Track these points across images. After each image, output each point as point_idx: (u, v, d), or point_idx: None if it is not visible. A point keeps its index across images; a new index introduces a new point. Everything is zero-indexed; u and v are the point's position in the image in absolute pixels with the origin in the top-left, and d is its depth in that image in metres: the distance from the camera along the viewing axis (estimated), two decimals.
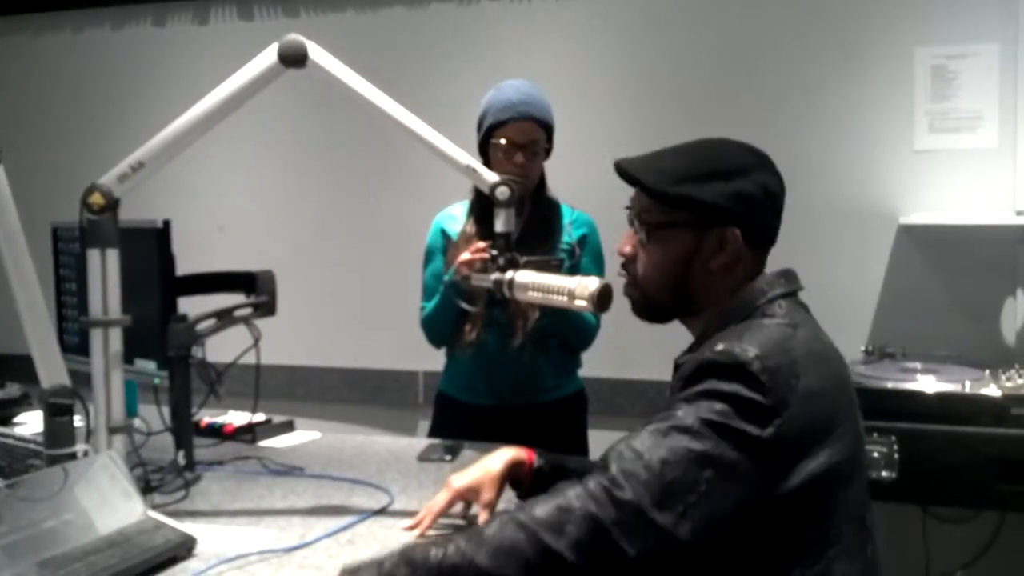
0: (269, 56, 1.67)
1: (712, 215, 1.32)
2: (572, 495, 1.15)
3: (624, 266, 1.43)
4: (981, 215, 2.69)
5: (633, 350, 2.79)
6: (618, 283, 1.49)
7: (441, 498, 1.55)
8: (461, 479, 1.55)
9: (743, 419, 1.17)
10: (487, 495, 1.52)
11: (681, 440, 1.15)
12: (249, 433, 2.20)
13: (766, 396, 1.18)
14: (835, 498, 1.23)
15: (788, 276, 1.37)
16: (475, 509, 1.56)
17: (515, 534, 1.13)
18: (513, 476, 1.56)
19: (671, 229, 1.34)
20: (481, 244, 2.01)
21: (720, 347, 1.22)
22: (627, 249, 1.41)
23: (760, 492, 1.18)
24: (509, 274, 1.78)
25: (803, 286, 1.39)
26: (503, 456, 1.57)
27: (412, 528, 1.55)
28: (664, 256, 1.36)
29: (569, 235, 2.30)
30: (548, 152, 2.27)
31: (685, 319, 1.41)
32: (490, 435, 2.14)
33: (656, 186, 1.34)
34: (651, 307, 1.41)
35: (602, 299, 1.60)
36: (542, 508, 1.15)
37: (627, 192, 1.41)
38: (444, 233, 2.33)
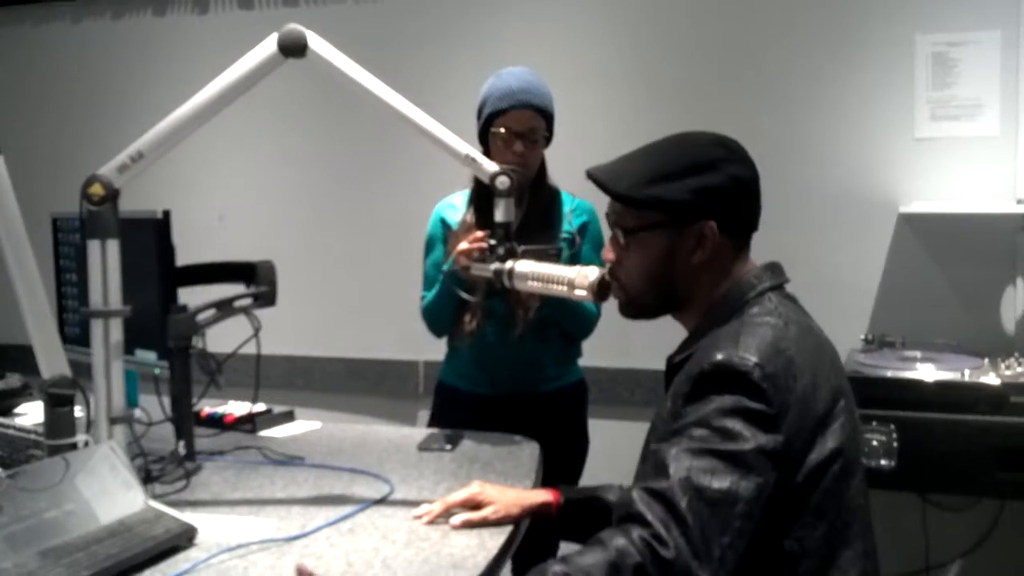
0: (269, 46, 1.67)
1: (684, 212, 1.33)
2: (620, 550, 1.13)
3: (610, 271, 1.45)
4: (982, 204, 2.68)
5: (633, 339, 2.79)
6: None
7: (460, 494, 1.56)
8: (491, 491, 1.56)
9: (753, 429, 1.18)
10: (500, 516, 1.53)
11: (702, 479, 1.15)
12: (249, 423, 2.21)
13: (769, 404, 1.19)
14: (835, 489, 1.24)
15: (775, 269, 1.39)
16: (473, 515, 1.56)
17: None
18: (539, 514, 1.57)
19: (647, 231, 1.36)
20: (479, 233, 2.00)
21: (719, 356, 1.22)
22: (610, 255, 1.43)
23: (775, 494, 1.19)
24: (509, 264, 1.78)
25: (789, 279, 1.40)
26: (540, 496, 1.58)
27: (421, 516, 1.56)
28: (644, 258, 1.37)
29: (569, 223, 2.29)
30: (548, 140, 2.26)
31: (675, 314, 1.42)
32: (490, 425, 2.15)
33: (626, 191, 1.35)
34: (636, 307, 1.43)
35: (602, 288, 1.60)
36: (594, 567, 1.13)
37: None
38: (444, 222, 2.33)
